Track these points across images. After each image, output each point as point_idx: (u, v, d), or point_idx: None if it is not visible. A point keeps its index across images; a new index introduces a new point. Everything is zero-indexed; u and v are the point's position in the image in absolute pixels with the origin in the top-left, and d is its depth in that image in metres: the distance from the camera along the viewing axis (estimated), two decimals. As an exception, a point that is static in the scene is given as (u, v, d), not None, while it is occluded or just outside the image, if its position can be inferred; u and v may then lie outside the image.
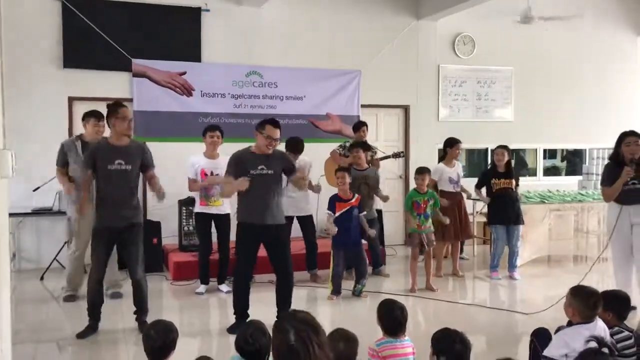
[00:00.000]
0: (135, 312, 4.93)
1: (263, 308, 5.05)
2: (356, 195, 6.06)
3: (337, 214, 5.95)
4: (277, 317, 2.09)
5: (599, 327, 3.27)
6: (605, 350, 2.50)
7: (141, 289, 4.91)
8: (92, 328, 4.84)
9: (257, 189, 4.79)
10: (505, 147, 6.88)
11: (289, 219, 6.23)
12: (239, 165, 4.87)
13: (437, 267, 6.90)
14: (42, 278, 6.71)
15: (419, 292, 6.19)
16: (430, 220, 6.28)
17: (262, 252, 5.08)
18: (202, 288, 6.16)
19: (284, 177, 5.16)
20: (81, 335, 4.76)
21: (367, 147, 6.90)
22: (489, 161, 9.50)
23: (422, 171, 6.36)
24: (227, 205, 6.09)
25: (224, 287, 6.16)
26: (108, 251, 4.88)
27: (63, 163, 5.70)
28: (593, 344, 2.54)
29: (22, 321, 5.33)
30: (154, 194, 5.01)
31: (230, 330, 4.94)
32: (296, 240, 6.68)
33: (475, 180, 8.01)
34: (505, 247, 6.85)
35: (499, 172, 6.80)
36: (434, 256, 6.61)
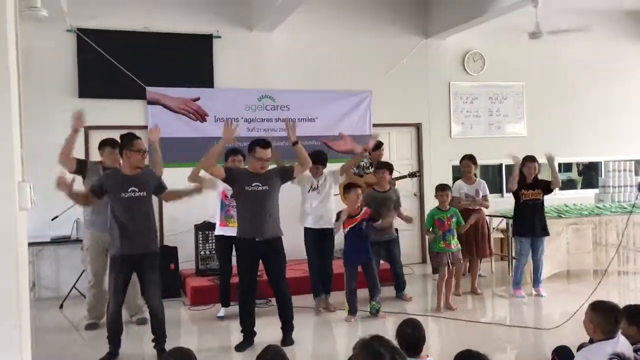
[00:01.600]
0: (153, 340, 4.94)
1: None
2: (364, 209, 5.96)
3: (347, 229, 5.91)
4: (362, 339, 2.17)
5: (622, 343, 3.23)
6: (629, 367, 2.46)
7: (158, 316, 4.93)
8: (112, 354, 4.85)
9: (251, 205, 5.01)
10: (534, 159, 6.81)
11: (308, 231, 6.23)
12: (234, 176, 5.10)
13: (456, 286, 6.81)
14: (61, 306, 6.76)
15: (437, 311, 6.13)
16: (456, 238, 6.23)
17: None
18: (222, 311, 6.16)
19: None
20: None
21: (391, 168, 6.75)
22: (504, 177, 9.51)
23: (443, 188, 6.34)
24: None
25: None
26: (126, 279, 4.89)
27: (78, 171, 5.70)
28: (616, 362, 2.51)
29: (42, 350, 5.36)
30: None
31: (237, 348, 5.05)
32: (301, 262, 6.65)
33: (492, 196, 8.03)
34: (526, 262, 6.76)
35: (527, 183, 6.72)
36: (455, 275, 6.49)
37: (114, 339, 4.88)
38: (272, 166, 5.31)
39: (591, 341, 3.40)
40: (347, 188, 6.03)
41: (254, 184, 5.02)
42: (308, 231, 6.27)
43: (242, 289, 5.16)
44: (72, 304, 6.76)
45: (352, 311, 5.92)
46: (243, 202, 5.10)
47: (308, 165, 5.37)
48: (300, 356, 4.91)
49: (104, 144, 5.84)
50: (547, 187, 6.76)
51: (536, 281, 6.79)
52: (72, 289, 6.91)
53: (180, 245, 7.35)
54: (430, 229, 6.28)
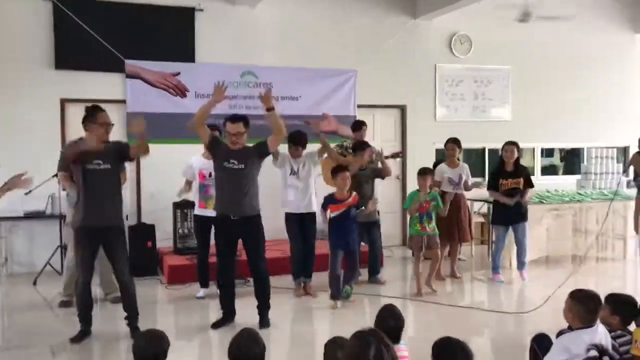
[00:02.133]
0: (126, 318, 4.85)
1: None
2: (353, 194, 5.81)
3: (334, 214, 5.74)
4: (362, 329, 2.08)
5: (600, 331, 3.20)
6: (606, 358, 2.42)
7: (129, 291, 4.85)
8: (84, 332, 4.77)
9: (228, 182, 4.94)
10: (514, 144, 6.64)
11: (290, 216, 6.14)
12: (215, 148, 5.00)
13: (437, 270, 6.78)
14: (35, 282, 6.62)
15: (418, 295, 6.08)
16: (434, 222, 6.16)
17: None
18: (202, 292, 6.07)
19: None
20: (75, 340, 4.70)
21: (369, 146, 6.62)
22: (487, 161, 9.48)
23: (423, 172, 6.25)
24: None
25: None
26: (93, 252, 4.77)
27: (65, 168, 5.58)
28: (594, 353, 2.47)
29: (14, 326, 5.26)
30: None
31: (214, 325, 5.04)
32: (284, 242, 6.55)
33: (473, 180, 7.96)
34: (504, 247, 6.76)
35: (506, 171, 6.58)
36: (434, 258, 6.37)
37: (85, 317, 4.80)
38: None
39: (570, 328, 3.37)
40: (334, 171, 5.81)
41: (231, 161, 4.93)
42: (289, 216, 6.16)
43: (220, 267, 5.10)
44: (46, 280, 6.63)
45: (336, 296, 5.73)
46: (220, 178, 5.03)
47: (282, 135, 5.12)
48: (277, 339, 4.85)
49: None
50: (529, 180, 6.68)
51: (520, 264, 6.76)
52: (46, 265, 6.77)
53: (158, 223, 7.24)
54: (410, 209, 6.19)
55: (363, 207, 5.86)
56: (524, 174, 6.69)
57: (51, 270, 6.79)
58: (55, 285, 6.22)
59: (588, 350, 2.73)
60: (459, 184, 6.91)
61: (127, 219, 7.14)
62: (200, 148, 6.08)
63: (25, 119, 7.06)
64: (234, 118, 5.01)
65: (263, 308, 5.11)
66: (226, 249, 5.05)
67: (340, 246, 5.79)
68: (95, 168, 4.65)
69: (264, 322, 5.06)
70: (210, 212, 5.65)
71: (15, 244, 7.18)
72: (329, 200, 5.81)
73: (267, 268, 5.16)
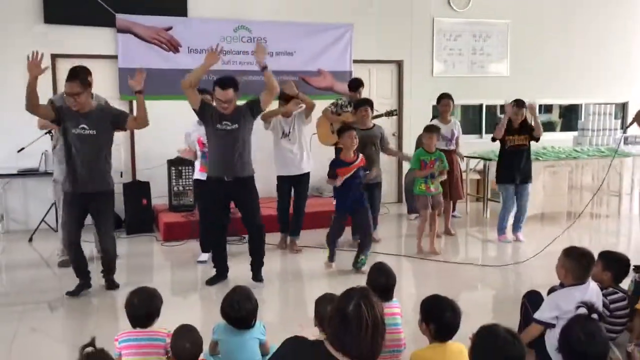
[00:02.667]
0: (102, 272, 4.97)
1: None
2: (360, 156, 5.53)
3: (344, 178, 5.40)
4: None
5: (592, 289, 3.22)
6: (595, 316, 2.45)
7: (109, 256, 4.94)
8: (81, 286, 4.83)
9: (221, 144, 4.87)
10: (522, 105, 6.35)
11: (282, 179, 6.15)
12: (205, 112, 4.88)
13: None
14: (30, 240, 6.64)
15: (419, 253, 6.07)
16: (438, 181, 6.08)
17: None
18: (204, 256, 5.88)
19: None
20: (72, 293, 4.76)
21: (372, 105, 6.44)
22: (484, 117, 9.41)
23: (430, 130, 6.11)
24: None
25: None
26: (78, 216, 4.77)
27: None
28: (583, 310, 2.49)
29: (11, 283, 5.30)
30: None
31: (208, 282, 5.08)
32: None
33: (469, 137, 7.94)
34: (513, 207, 6.62)
35: (513, 127, 6.37)
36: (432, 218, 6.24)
37: (82, 273, 4.85)
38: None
39: (562, 285, 3.39)
40: (340, 131, 5.58)
41: (224, 123, 4.83)
42: (283, 179, 6.16)
43: (212, 226, 5.12)
44: (42, 237, 6.64)
45: (332, 258, 5.62)
46: (214, 141, 4.94)
47: (275, 92, 4.99)
48: (268, 296, 4.89)
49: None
50: (530, 135, 6.58)
51: (516, 227, 6.64)
52: (41, 222, 6.77)
53: (153, 180, 7.23)
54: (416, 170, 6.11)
55: (367, 171, 5.66)
56: (529, 131, 6.47)
57: (47, 228, 6.79)
58: (50, 242, 6.24)
59: (577, 307, 2.75)
60: (451, 140, 6.85)
61: (121, 176, 7.18)
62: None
63: (16, 75, 6.91)
64: (223, 84, 4.78)
65: (258, 265, 5.13)
66: (218, 208, 5.01)
67: (347, 209, 5.55)
68: (80, 133, 4.59)
69: (258, 277, 5.09)
70: None
71: (10, 201, 7.17)
72: (337, 164, 5.50)
73: (262, 227, 5.11)
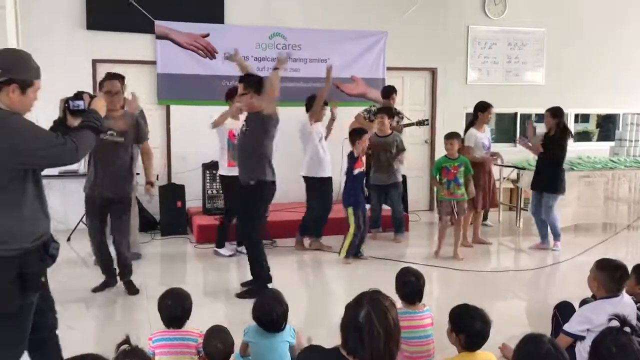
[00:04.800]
0: (118, 274, 5.07)
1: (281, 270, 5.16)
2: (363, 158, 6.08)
3: (357, 171, 5.90)
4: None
5: (625, 302, 3.18)
6: (628, 329, 2.42)
7: (124, 261, 5.02)
8: (106, 283, 5.00)
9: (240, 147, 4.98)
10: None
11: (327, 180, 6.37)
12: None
13: (463, 236, 6.76)
14: (69, 239, 6.84)
15: (441, 260, 6.10)
16: (462, 188, 6.11)
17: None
18: (227, 250, 6.24)
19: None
20: (96, 289, 4.94)
21: (391, 113, 6.75)
22: (518, 126, 9.31)
23: (451, 136, 6.17)
24: None
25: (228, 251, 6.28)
26: (102, 218, 4.94)
27: None
28: (615, 323, 2.46)
29: (51, 281, 5.44)
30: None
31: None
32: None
33: (503, 145, 7.85)
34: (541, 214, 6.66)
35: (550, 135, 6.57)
36: (457, 224, 6.35)
37: (107, 271, 5.04)
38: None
39: (594, 297, 3.35)
40: (353, 134, 5.98)
41: (243, 128, 4.97)
42: (326, 180, 6.37)
43: (261, 231, 5.09)
44: (80, 236, 6.82)
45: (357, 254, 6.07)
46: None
47: (274, 93, 4.85)
48: (296, 300, 4.94)
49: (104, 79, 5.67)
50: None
51: (555, 235, 6.59)
52: (79, 222, 6.97)
53: (188, 183, 7.36)
54: (437, 178, 6.18)
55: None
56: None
57: (84, 228, 6.97)
58: (87, 242, 6.40)
59: (610, 320, 2.71)
60: (489, 148, 6.81)
61: (157, 179, 7.31)
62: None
63: (58, 80, 7.11)
64: (241, 78, 4.96)
65: None
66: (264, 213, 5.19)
67: (361, 205, 6.02)
68: (109, 139, 4.70)
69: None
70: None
71: (51, 201, 7.32)
72: (354, 157, 5.94)
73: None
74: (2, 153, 2.48)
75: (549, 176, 6.41)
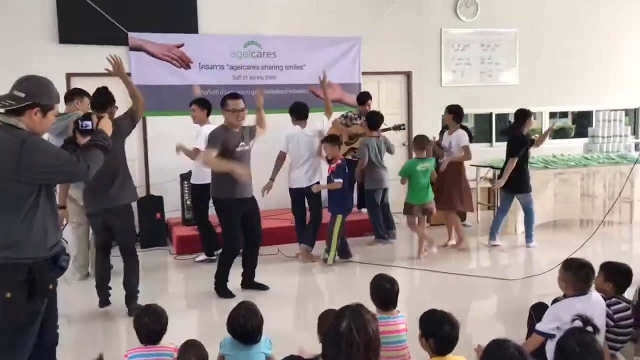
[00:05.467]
0: (125, 295, 4.84)
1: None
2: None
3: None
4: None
5: (593, 299, 3.25)
6: (590, 328, 2.48)
7: (129, 270, 4.80)
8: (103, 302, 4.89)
9: (242, 165, 4.97)
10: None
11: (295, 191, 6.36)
12: (223, 142, 4.94)
13: (459, 238, 6.87)
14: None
15: (411, 262, 6.19)
16: (429, 189, 6.28)
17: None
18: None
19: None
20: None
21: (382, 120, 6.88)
22: (493, 126, 9.43)
23: (417, 140, 6.43)
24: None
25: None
26: (104, 235, 4.81)
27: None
28: (578, 323, 2.53)
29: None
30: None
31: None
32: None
33: (480, 145, 7.95)
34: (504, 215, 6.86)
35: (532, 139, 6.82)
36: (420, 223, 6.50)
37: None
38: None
39: (565, 296, 3.42)
40: (329, 140, 6.11)
41: (241, 144, 5.02)
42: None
43: (235, 247, 5.21)
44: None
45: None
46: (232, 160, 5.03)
47: (265, 130, 5.37)
48: (274, 309, 4.96)
49: (81, 95, 5.65)
50: (531, 142, 6.75)
51: (528, 235, 6.75)
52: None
53: (166, 194, 7.34)
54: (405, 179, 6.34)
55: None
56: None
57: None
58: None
59: (573, 320, 2.78)
60: (449, 151, 6.83)
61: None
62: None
63: (32, 95, 7.13)
64: (236, 95, 5.09)
65: (252, 271, 5.42)
66: (237, 230, 5.18)
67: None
68: None
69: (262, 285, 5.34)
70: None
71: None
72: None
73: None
74: (21, 168, 2.71)
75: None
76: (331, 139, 6.13)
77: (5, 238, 2.73)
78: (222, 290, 5.20)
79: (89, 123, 3.22)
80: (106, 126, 3.15)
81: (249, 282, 5.36)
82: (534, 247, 6.67)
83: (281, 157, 6.35)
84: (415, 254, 6.47)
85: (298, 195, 6.31)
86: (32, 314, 2.81)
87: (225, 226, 5.15)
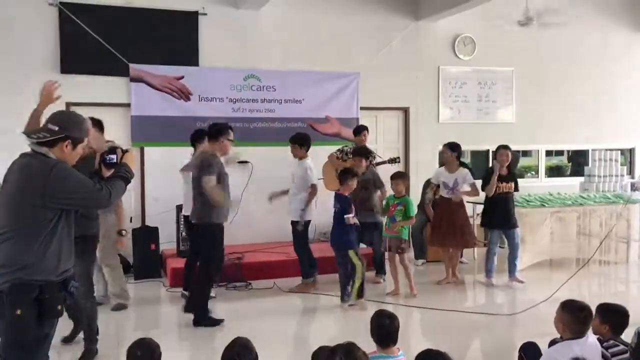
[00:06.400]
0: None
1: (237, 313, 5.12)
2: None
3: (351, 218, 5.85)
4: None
5: (590, 342, 3.22)
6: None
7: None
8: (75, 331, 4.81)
9: (226, 192, 5.23)
10: (508, 148, 6.73)
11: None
12: (218, 169, 5.18)
13: (452, 271, 6.87)
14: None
15: (404, 299, 6.12)
16: (398, 226, 6.17)
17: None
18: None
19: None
20: (67, 339, 4.77)
21: (368, 155, 6.77)
22: (490, 163, 9.46)
23: (395, 176, 6.38)
24: None
25: None
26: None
27: None
28: (577, 366, 2.51)
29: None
30: None
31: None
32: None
33: (477, 182, 7.94)
34: (499, 250, 6.80)
35: (500, 174, 6.58)
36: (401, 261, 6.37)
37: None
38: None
39: (562, 338, 3.39)
40: (344, 173, 5.95)
41: (226, 170, 5.26)
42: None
43: (219, 271, 5.39)
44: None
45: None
46: (225, 189, 5.26)
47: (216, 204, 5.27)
48: (268, 344, 4.90)
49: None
50: (516, 185, 6.71)
51: (513, 269, 6.71)
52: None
53: (162, 226, 7.29)
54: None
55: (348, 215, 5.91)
56: (514, 178, 6.76)
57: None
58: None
59: (572, 362, 2.76)
60: (452, 189, 6.83)
61: (131, 221, 7.27)
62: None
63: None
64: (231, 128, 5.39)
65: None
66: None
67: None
68: None
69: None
70: None
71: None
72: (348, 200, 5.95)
73: None
74: (48, 193, 2.84)
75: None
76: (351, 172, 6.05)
77: (21, 259, 2.83)
78: (208, 319, 5.22)
79: (113, 157, 3.39)
80: (130, 159, 3.33)
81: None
82: (526, 285, 6.62)
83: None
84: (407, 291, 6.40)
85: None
86: (41, 336, 2.90)
87: (219, 250, 5.30)
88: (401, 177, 6.36)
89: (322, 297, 6.15)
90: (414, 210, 6.39)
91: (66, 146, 2.98)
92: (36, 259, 2.84)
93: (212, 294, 5.99)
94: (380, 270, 6.88)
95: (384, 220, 6.36)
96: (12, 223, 2.86)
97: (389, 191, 6.49)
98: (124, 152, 3.40)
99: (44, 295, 2.85)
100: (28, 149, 3.14)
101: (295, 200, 6.27)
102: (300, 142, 6.30)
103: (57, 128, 2.94)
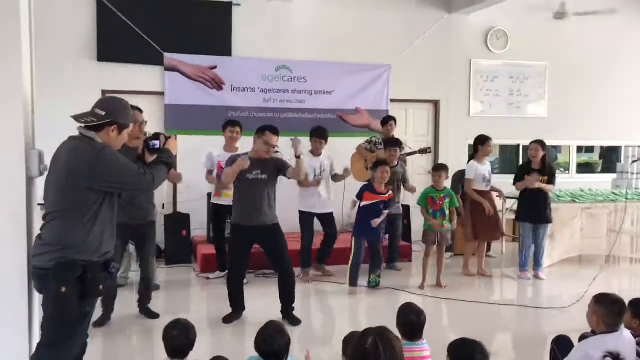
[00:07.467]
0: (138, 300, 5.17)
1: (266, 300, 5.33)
2: (390, 192, 6.08)
3: (365, 203, 5.97)
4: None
5: (624, 337, 3.19)
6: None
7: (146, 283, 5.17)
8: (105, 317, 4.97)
9: (250, 192, 4.99)
10: (539, 142, 6.70)
11: (309, 215, 6.47)
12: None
13: (464, 265, 6.86)
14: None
15: (432, 290, 6.17)
16: (447, 219, 6.23)
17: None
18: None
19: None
20: (96, 324, 4.86)
21: (401, 145, 6.87)
22: (520, 158, 9.39)
23: (438, 168, 6.38)
24: None
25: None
26: (123, 246, 5.04)
27: None
28: (608, 360, 2.49)
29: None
30: None
31: (225, 320, 5.12)
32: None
33: (506, 177, 7.90)
34: (532, 245, 6.75)
35: (534, 168, 6.62)
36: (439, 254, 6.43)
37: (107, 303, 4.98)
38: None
39: (594, 332, 3.37)
40: (376, 164, 6.08)
41: (255, 172, 4.99)
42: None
43: (234, 270, 5.22)
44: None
45: (354, 284, 6.04)
46: (243, 189, 5.05)
47: (302, 178, 5.63)
48: (301, 331, 4.97)
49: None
50: (552, 178, 6.66)
51: (537, 265, 6.75)
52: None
53: (193, 213, 7.42)
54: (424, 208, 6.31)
55: (386, 210, 6.11)
56: (550, 171, 6.71)
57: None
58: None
59: (604, 357, 2.75)
60: (489, 180, 6.87)
61: (163, 208, 7.41)
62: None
63: (69, 111, 7.25)
64: (275, 131, 5.08)
65: (288, 301, 5.16)
66: (240, 254, 5.15)
67: (365, 235, 6.02)
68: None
69: (293, 319, 5.10)
70: (224, 201, 6.09)
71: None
72: (366, 188, 6.04)
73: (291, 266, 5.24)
74: (95, 176, 2.93)
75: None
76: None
77: (66, 239, 2.92)
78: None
79: (157, 142, 3.45)
80: (172, 145, 3.42)
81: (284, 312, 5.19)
82: (554, 280, 6.59)
83: None
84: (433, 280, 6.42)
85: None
86: (82, 314, 3.01)
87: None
88: (444, 169, 6.36)
89: (342, 286, 6.19)
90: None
91: (112, 131, 3.06)
92: (80, 240, 2.94)
93: (245, 280, 6.12)
94: (396, 259, 7.03)
95: (430, 215, 6.24)
96: (59, 203, 2.95)
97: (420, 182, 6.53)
98: (167, 138, 3.46)
99: (87, 274, 2.95)
100: (64, 133, 3.24)
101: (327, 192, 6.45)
102: (327, 138, 6.45)
103: (104, 113, 3.03)
